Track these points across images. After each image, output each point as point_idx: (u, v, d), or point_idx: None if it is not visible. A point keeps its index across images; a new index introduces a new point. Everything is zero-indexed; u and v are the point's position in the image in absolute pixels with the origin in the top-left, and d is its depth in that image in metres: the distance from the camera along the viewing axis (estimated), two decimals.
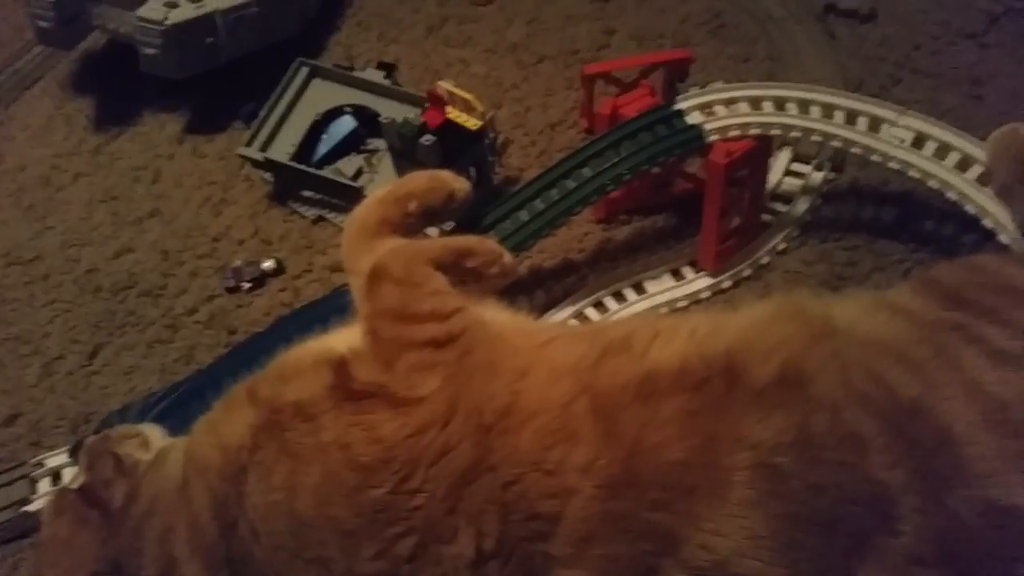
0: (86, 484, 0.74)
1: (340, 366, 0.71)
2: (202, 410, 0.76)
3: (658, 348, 0.67)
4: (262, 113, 1.28)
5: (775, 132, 1.00)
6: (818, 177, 1.12)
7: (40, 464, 0.96)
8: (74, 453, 0.92)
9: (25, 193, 1.34)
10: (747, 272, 1.07)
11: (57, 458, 0.97)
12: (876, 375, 0.62)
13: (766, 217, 1.10)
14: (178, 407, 0.92)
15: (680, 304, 1.05)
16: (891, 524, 0.57)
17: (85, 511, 0.72)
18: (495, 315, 0.78)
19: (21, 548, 0.93)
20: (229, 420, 0.71)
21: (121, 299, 1.17)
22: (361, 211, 0.88)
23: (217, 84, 1.38)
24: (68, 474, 0.93)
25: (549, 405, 0.64)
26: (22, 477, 0.95)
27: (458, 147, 1.09)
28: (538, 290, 1.07)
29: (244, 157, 1.27)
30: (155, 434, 0.80)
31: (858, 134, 0.96)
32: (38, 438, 1.03)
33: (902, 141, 0.94)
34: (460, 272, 0.81)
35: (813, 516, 0.57)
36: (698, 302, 1.06)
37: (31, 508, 0.92)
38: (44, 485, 0.95)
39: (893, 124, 0.95)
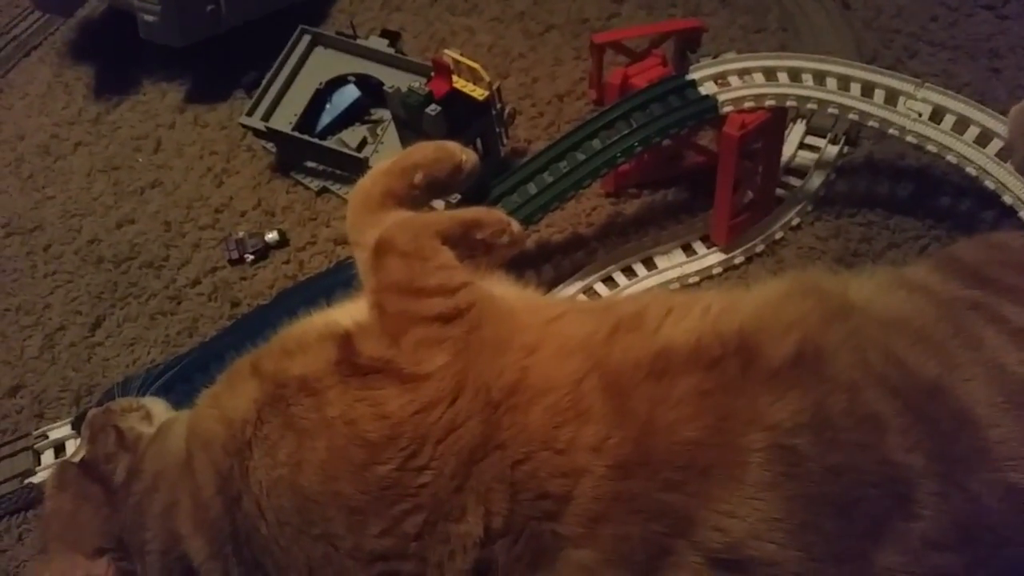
0: (88, 458, 0.73)
1: (345, 341, 0.69)
2: (206, 383, 0.75)
3: (671, 325, 0.66)
4: (264, 82, 1.26)
5: (790, 104, 0.97)
6: (833, 151, 1.10)
7: (43, 436, 0.96)
8: (77, 425, 0.92)
9: (25, 162, 1.32)
10: (760, 247, 1.05)
11: (60, 430, 0.96)
12: (894, 355, 0.61)
13: (780, 191, 1.08)
14: (181, 380, 0.91)
15: (691, 280, 1.04)
16: (909, 507, 0.56)
17: (87, 485, 0.71)
18: (503, 290, 0.77)
19: (26, 519, 0.92)
20: (233, 394, 0.70)
21: (123, 270, 1.16)
22: (365, 182, 0.86)
23: (218, 52, 1.36)
24: (71, 446, 0.93)
25: (559, 382, 0.63)
26: (25, 449, 0.95)
27: (464, 117, 1.06)
28: (546, 265, 1.06)
29: (246, 127, 1.25)
30: (158, 407, 0.79)
31: (875, 107, 0.93)
32: (41, 410, 1.02)
33: (920, 115, 0.92)
34: (468, 244, 0.79)
35: (830, 499, 0.56)
36: (710, 278, 1.04)
37: (35, 480, 0.92)
38: (47, 457, 0.94)
39: (911, 97, 0.93)
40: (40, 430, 0.97)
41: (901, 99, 0.93)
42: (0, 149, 1.35)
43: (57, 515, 0.71)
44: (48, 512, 0.73)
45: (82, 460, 0.73)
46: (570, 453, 0.60)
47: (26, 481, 0.92)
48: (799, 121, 1.13)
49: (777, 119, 1.00)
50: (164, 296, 1.12)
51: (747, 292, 0.70)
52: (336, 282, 0.93)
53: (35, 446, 0.95)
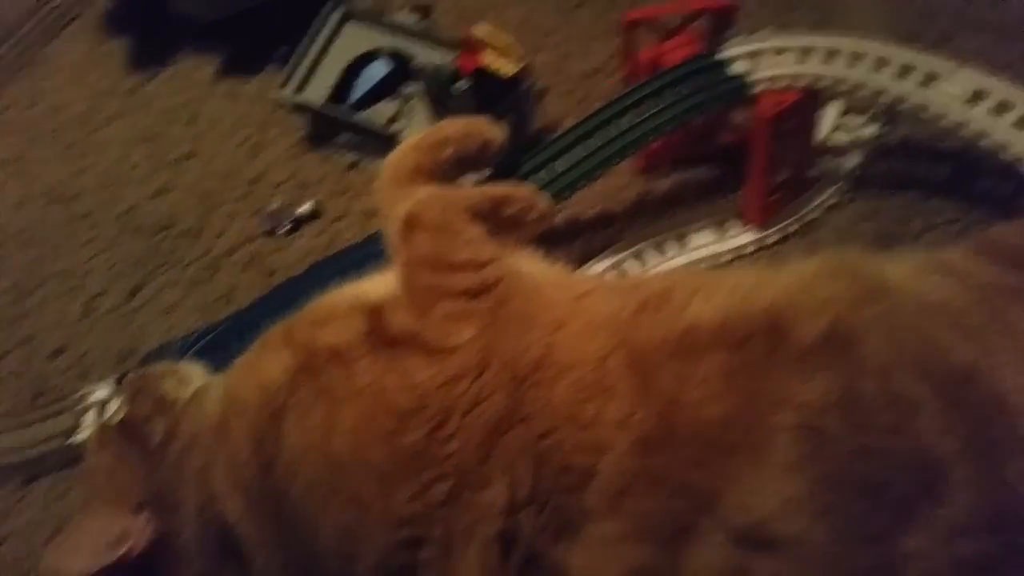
0: (126, 419, 0.76)
1: (375, 312, 0.71)
2: (241, 349, 0.76)
3: (698, 303, 0.66)
4: (295, 56, 1.26)
5: (824, 84, 0.96)
6: (870, 131, 1.09)
7: (85, 396, 0.98)
8: (118, 386, 0.94)
9: (64, 132, 1.35)
10: (794, 228, 1.04)
11: (101, 391, 0.98)
12: (929, 338, 0.60)
13: (815, 171, 1.07)
14: (217, 346, 0.94)
15: (724, 259, 1.03)
16: (939, 492, 0.55)
17: (126, 446, 0.73)
18: (532, 266, 0.77)
19: (68, 477, 0.96)
20: (267, 362, 0.72)
21: (161, 239, 1.18)
22: (395, 157, 0.87)
23: (252, 25, 1.36)
24: (112, 407, 0.95)
25: (584, 358, 0.64)
26: (68, 409, 0.97)
27: (494, 93, 1.07)
28: (576, 241, 1.06)
29: (278, 101, 1.26)
30: (195, 372, 0.81)
31: (911, 89, 0.92)
32: (83, 371, 1.05)
33: (957, 97, 0.90)
34: (497, 220, 0.80)
35: (857, 481, 0.56)
36: (742, 257, 1.03)
37: (77, 438, 0.94)
38: (89, 417, 0.97)
39: (948, 79, 0.91)
40: (82, 391, 1.00)
41: (938, 81, 0.91)
42: (41, 119, 1.38)
43: (98, 473, 0.74)
44: (90, 470, 0.76)
45: (121, 421, 0.76)
46: (594, 428, 0.61)
47: (68, 440, 0.95)
48: (836, 100, 1.12)
49: (811, 98, 0.99)
50: (201, 265, 1.14)
51: (778, 271, 0.69)
52: (367, 254, 0.94)
53: (77, 406, 0.98)
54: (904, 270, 0.66)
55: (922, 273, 0.66)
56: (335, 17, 1.29)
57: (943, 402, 0.57)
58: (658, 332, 0.64)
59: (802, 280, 0.66)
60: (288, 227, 1.16)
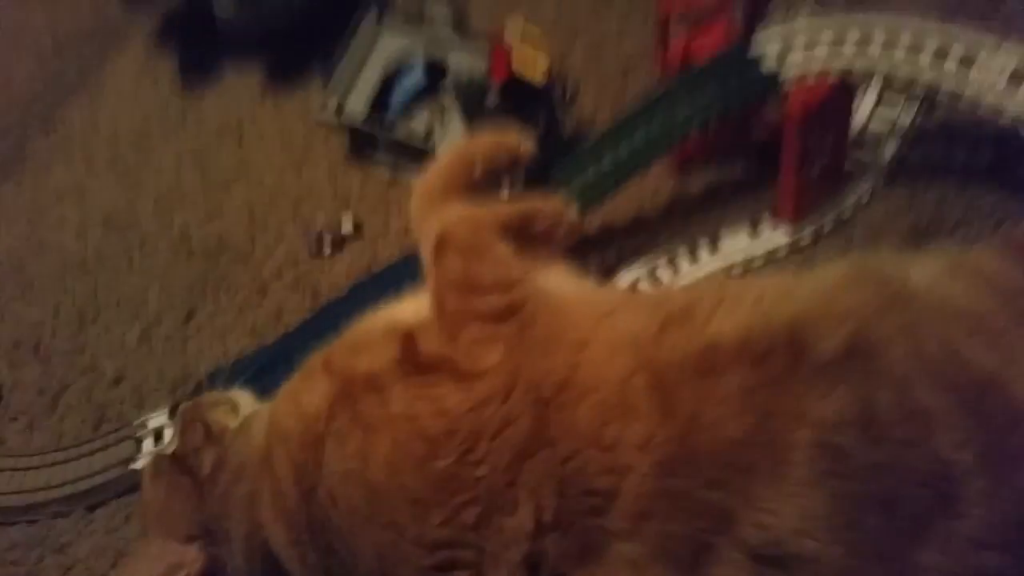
0: (178, 451, 0.80)
1: (407, 339, 0.73)
2: (287, 374, 0.79)
3: (721, 318, 0.66)
4: (336, 70, 1.27)
5: (857, 76, 0.94)
6: (908, 118, 1.05)
7: (143, 424, 1.02)
8: (173, 414, 0.99)
9: (120, 157, 1.38)
10: (828, 227, 1.01)
11: (158, 419, 1.02)
12: (951, 347, 0.60)
13: (851, 163, 1.04)
14: (266, 371, 0.97)
15: (756, 264, 1.01)
16: (955, 506, 0.55)
17: (178, 477, 0.77)
18: (559, 282, 0.79)
19: (130, 503, 0.99)
20: (307, 390, 0.74)
21: (212, 263, 1.20)
22: (426, 176, 0.89)
23: (295, 37, 1.36)
24: (168, 434, 1.00)
25: (607, 380, 0.64)
26: (128, 437, 1.02)
27: (525, 102, 1.07)
28: (609, 248, 1.05)
29: (320, 122, 1.27)
30: (243, 399, 0.85)
31: (947, 72, 0.88)
32: (142, 399, 1.08)
33: (997, 80, 0.86)
34: (527, 235, 0.81)
35: (873, 496, 0.56)
36: (775, 261, 1.01)
37: (137, 465, 0.99)
38: (148, 444, 1.01)
39: (989, 58, 0.87)
40: (140, 419, 1.04)
41: (977, 62, 0.87)
42: (97, 144, 1.40)
43: (152, 504, 0.78)
44: (144, 501, 0.80)
45: (172, 454, 0.80)
46: (616, 450, 0.62)
47: (129, 467, 1.00)
48: (872, 87, 1.08)
49: (845, 89, 0.96)
50: (251, 288, 1.16)
51: (804, 279, 0.69)
52: (407, 273, 0.96)
53: (136, 434, 1.02)
54: (930, 274, 0.65)
55: (948, 277, 0.65)
56: (370, 26, 1.29)
57: (961, 414, 0.57)
58: (680, 350, 0.64)
59: (825, 289, 0.66)
60: (332, 247, 1.18)
